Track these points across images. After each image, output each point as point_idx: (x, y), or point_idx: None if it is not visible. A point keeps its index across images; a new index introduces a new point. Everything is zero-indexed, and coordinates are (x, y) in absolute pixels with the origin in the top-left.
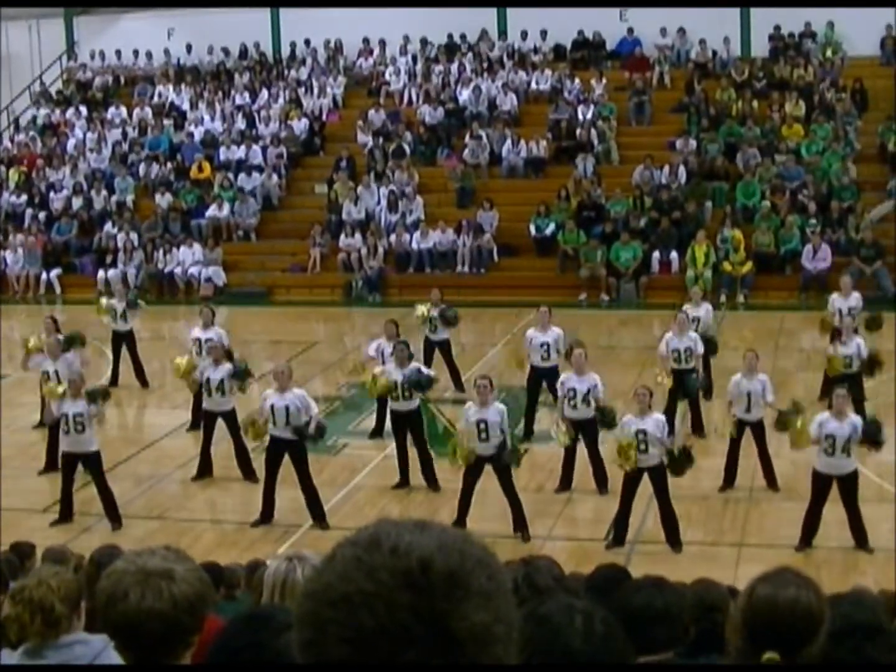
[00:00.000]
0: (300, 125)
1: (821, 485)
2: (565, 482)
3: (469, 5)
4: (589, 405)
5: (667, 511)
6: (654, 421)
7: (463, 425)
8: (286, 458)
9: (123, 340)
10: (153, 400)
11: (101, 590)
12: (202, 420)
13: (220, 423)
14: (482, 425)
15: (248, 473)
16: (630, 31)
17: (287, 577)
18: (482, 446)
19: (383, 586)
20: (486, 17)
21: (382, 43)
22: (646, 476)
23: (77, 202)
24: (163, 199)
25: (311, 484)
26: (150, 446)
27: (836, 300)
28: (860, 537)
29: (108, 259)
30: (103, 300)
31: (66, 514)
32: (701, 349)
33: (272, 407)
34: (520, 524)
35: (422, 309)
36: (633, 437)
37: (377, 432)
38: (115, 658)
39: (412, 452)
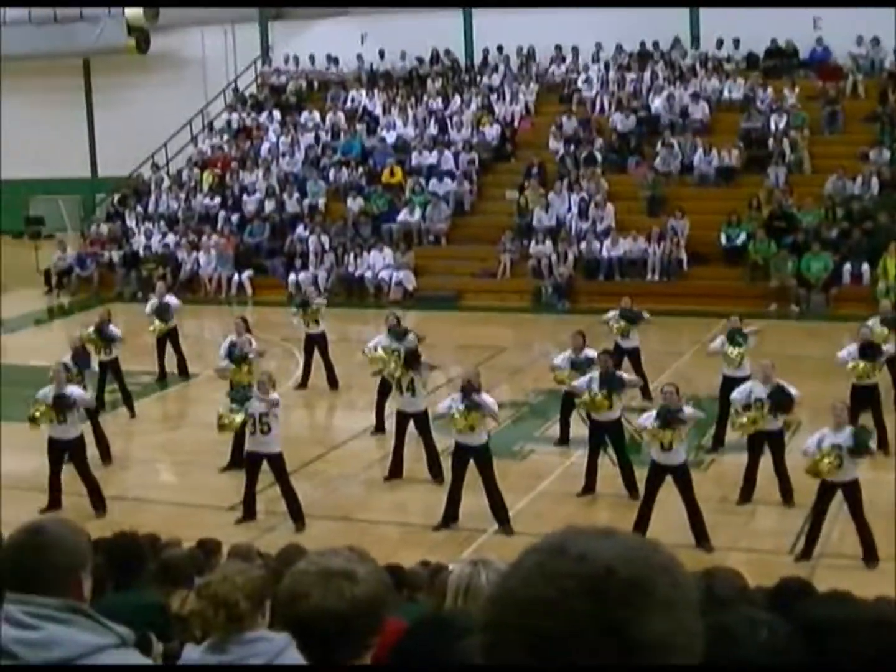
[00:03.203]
0: (492, 131)
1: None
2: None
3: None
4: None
5: (861, 525)
6: None
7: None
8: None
9: (315, 343)
10: (341, 402)
11: (283, 588)
12: (395, 420)
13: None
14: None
15: (436, 475)
16: (819, 40)
17: (470, 582)
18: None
19: (566, 593)
20: (678, 25)
21: (575, 50)
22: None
23: (269, 205)
24: (354, 203)
25: (496, 488)
26: (338, 447)
27: None
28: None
29: (299, 262)
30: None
31: (249, 512)
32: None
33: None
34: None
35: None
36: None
37: (563, 440)
38: (297, 656)
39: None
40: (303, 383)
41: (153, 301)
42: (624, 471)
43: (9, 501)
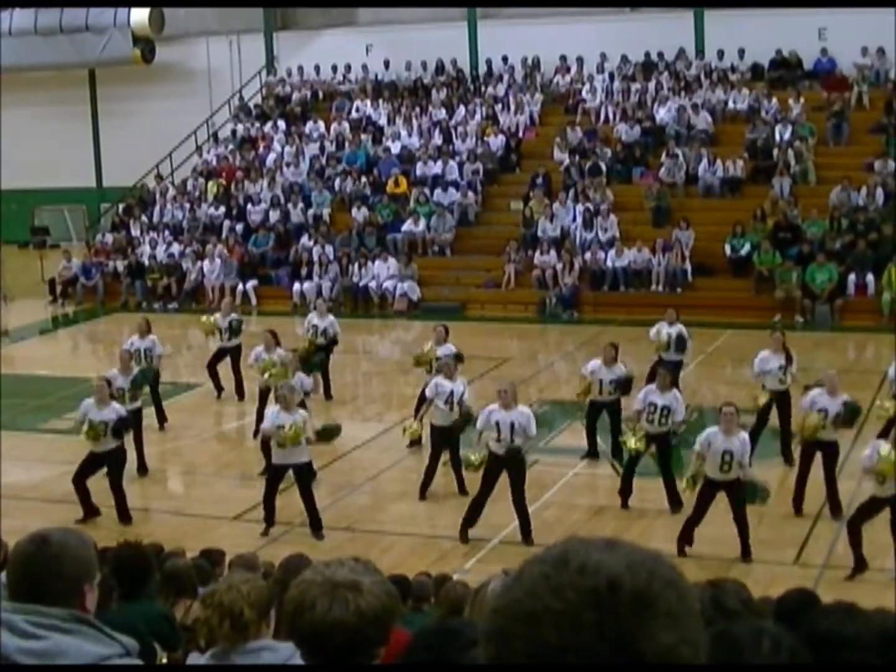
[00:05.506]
0: (497, 141)
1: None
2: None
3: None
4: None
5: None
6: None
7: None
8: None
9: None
10: (345, 412)
11: (288, 599)
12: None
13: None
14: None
15: (461, 488)
16: (824, 51)
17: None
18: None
19: (569, 604)
20: (683, 36)
21: (580, 60)
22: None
23: (274, 215)
24: (359, 214)
25: (524, 503)
26: (342, 458)
27: None
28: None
29: (304, 272)
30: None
31: (270, 520)
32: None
33: (497, 423)
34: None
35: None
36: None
37: (592, 453)
38: None
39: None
40: None
41: (218, 316)
42: (667, 484)
43: (15, 511)
